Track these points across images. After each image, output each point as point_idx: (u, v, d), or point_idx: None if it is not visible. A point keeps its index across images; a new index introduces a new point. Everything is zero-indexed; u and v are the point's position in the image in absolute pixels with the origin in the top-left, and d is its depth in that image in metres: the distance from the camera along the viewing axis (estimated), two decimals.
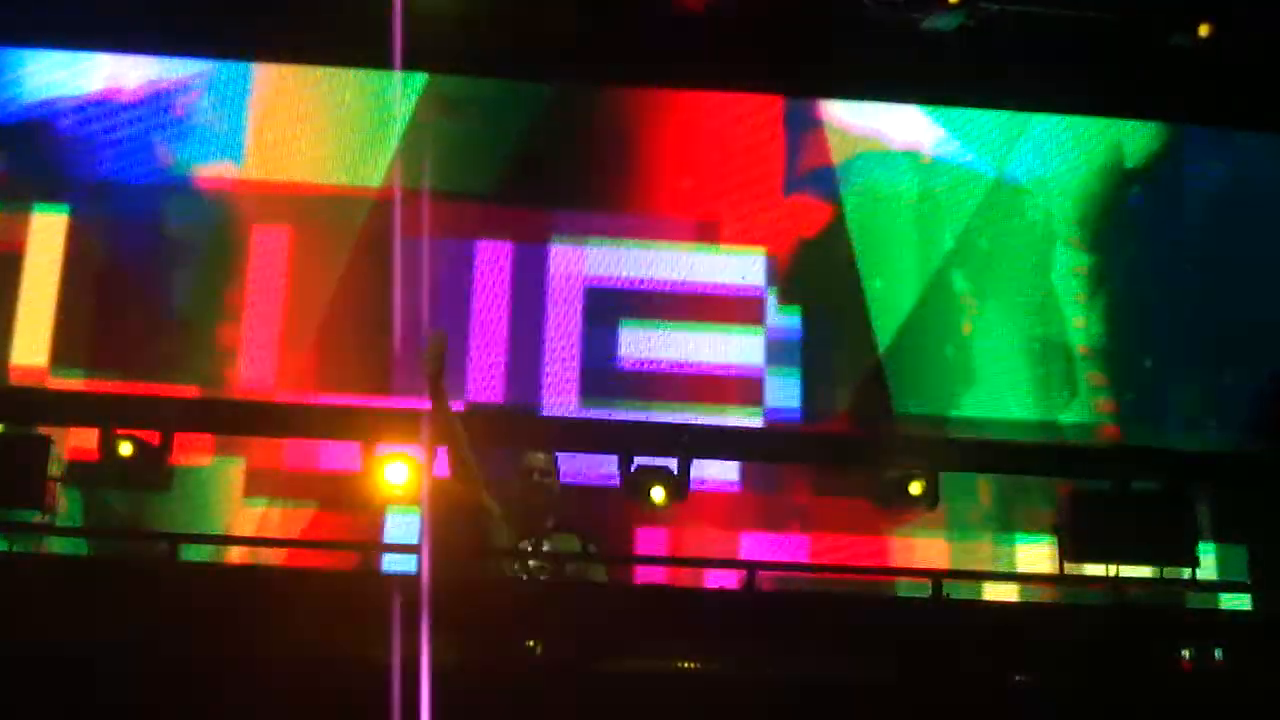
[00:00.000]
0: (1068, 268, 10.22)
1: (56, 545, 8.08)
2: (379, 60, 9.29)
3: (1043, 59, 9.57)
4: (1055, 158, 10.32)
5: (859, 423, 9.85)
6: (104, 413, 8.22)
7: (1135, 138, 10.33)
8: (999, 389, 10.00)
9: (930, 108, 10.28)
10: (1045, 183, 10.32)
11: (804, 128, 10.30)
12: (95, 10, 9.51)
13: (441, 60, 9.63)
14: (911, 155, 10.31)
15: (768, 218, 10.16)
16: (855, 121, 10.30)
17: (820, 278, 10.15)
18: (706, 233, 10.15)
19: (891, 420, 9.87)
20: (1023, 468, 8.99)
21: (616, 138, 10.14)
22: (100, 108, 9.92)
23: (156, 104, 9.95)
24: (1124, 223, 10.29)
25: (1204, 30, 9.17)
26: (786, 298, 10.09)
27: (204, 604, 7.10)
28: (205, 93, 10.00)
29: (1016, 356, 10.06)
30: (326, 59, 9.88)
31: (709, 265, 10.09)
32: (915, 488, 8.47)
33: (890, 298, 10.10)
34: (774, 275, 10.11)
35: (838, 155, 10.26)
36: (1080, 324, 10.13)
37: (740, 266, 10.08)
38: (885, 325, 10.04)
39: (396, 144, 9.90)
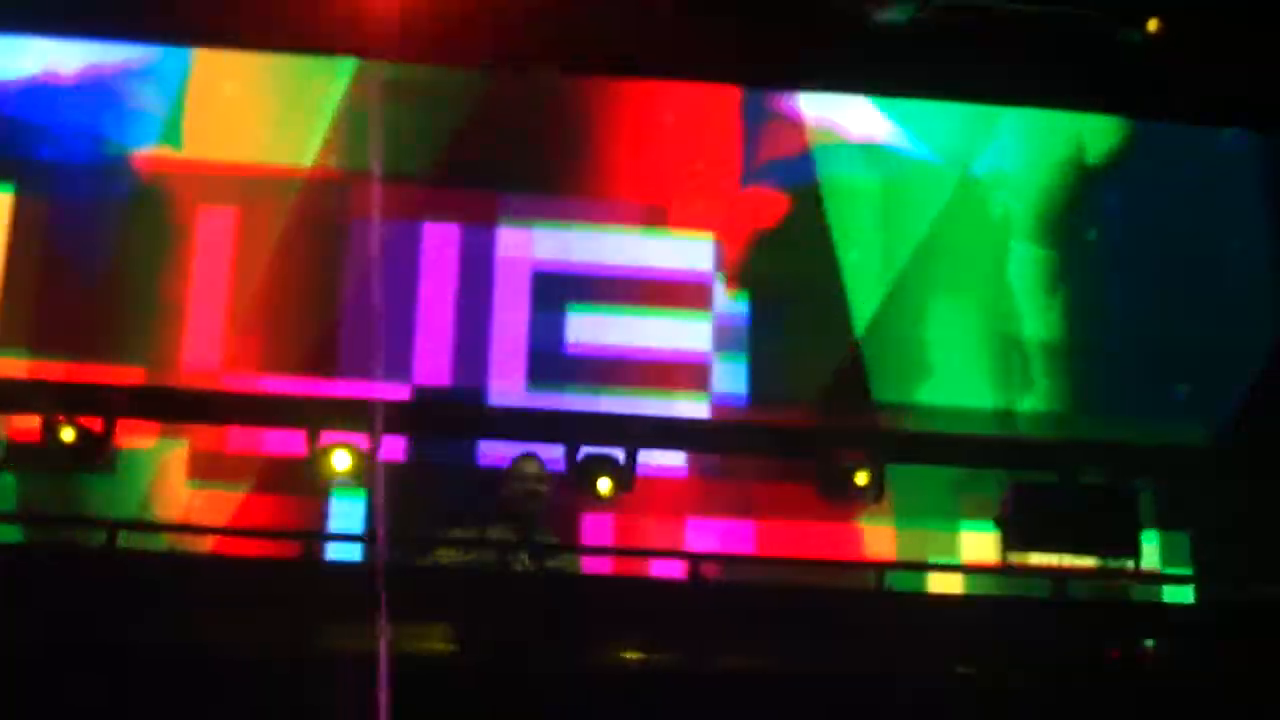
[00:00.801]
0: (1026, 262, 10.22)
1: None
2: (321, 46, 9.30)
3: (1001, 53, 9.53)
4: (1016, 153, 10.33)
5: (823, 409, 9.83)
6: (47, 399, 8.12)
7: (1097, 133, 10.32)
8: (957, 379, 10.02)
9: (890, 100, 10.24)
10: (1006, 177, 10.32)
11: (762, 119, 10.25)
12: None
13: (381, 45, 9.55)
14: (872, 149, 10.27)
15: (723, 208, 10.13)
16: (815, 114, 10.26)
17: (778, 268, 10.11)
18: (655, 217, 10.10)
19: (863, 407, 9.86)
20: (968, 460, 8.98)
21: (567, 124, 10.07)
22: (39, 92, 9.81)
23: (95, 88, 9.84)
24: (1083, 218, 10.29)
25: (1153, 25, 9.15)
26: (736, 284, 10.06)
27: (144, 591, 7.08)
28: (144, 77, 9.90)
29: (974, 348, 10.07)
30: (265, 44, 9.77)
31: (657, 250, 10.05)
32: (860, 478, 8.43)
33: (856, 289, 10.09)
34: (722, 261, 10.09)
35: (796, 147, 10.21)
36: (1036, 318, 10.14)
37: (689, 252, 10.05)
38: (857, 315, 10.04)
39: (339, 127, 9.84)
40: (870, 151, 10.27)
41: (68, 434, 7.97)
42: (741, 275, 10.08)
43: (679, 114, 10.18)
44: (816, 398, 9.84)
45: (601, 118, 10.08)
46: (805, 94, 10.24)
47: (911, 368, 10.02)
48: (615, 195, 10.07)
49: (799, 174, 10.18)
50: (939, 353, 10.06)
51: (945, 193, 10.24)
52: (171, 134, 9.89)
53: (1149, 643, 7.60)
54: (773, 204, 10.13)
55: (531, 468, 7.89)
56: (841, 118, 10.28)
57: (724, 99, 10.25)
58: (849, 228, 10.13)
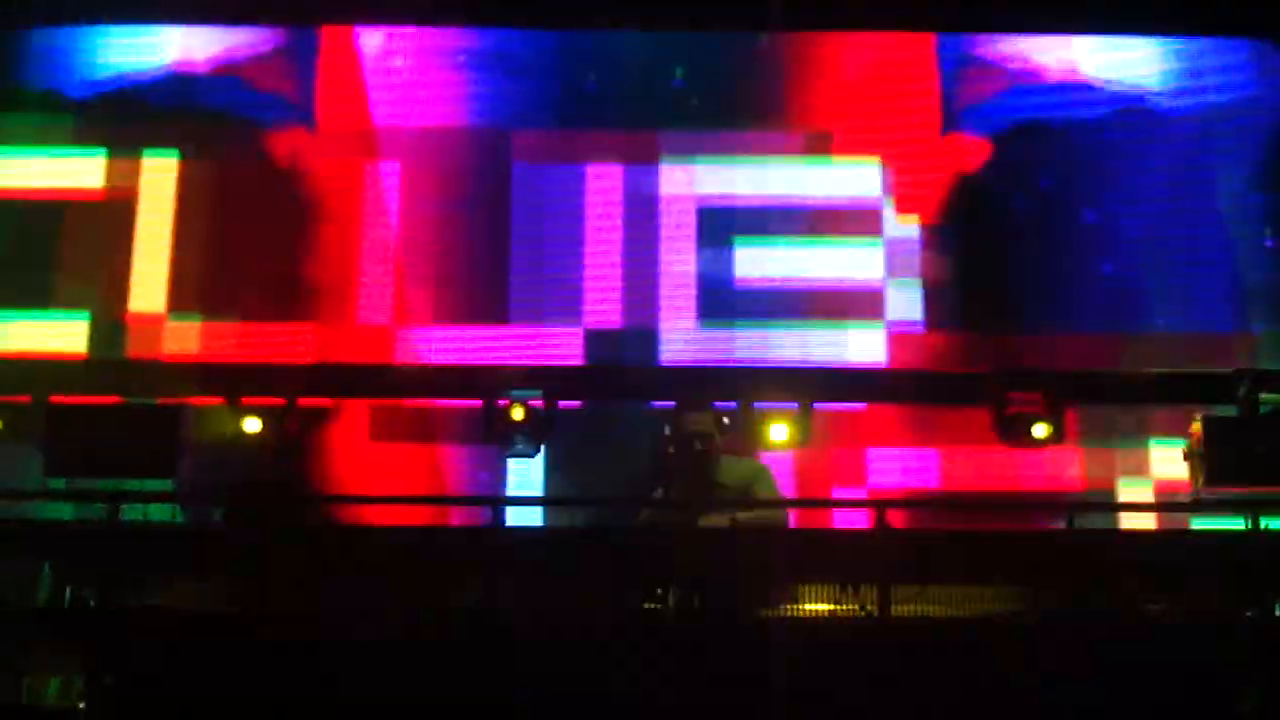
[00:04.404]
0: (1243, 206, 9.86)
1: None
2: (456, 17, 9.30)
3: None
4: (1228, 90, 9.92)
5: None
6: (227, 383, 8.17)
7: None
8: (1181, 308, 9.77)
9: (1089, 39, 9.96)
10: (1219, 116, 9.91)
11: (958, 65, 10.01)
12: None
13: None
14: (1075, 88, 9.95)
15: (926, 157, 9.94)
16: (1013, 55, 9.98)
17: (980, 211, 9.88)
18: (819, 145, 9.93)
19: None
20: (1146, 397, 8.76)
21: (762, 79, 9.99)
22: (176, 80, 9.96)
23: (230, 74, 9.96)
24: None
25: None
26: (905, 208, 9.88)
27: (332, 564, 7.16)
28: (275, 59, 9.98)
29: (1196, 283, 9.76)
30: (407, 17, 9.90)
31: (823, 178, 9.88)
32: (1040, 431, 8.18)
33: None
34: (890, 185, 9.91)
35: (995, 90, 9.94)
36: (1252, 262, 9.80)
37: (856, 178, 9.86)
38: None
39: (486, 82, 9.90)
40: (1072, 92, 9.94)
41: (253, 424, 8.01)
42: (953, 226, 9.86)
43: (872, 61, 10.03)
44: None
45: (798, 77, 9.96)
46: (1000, 35, 9.97)
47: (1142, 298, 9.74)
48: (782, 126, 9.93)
49: (1000, 117, 9.91)
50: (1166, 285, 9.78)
51: (1154, 132, 9.90)
52: (308, 110, 9.97)
53: None
54: (975, 149, 9.88)
55: (704, 421, 7.56)
56: (1042, 59, 9.97)
57: (917, 45, 10.05)
58: (1055, 167, 9.87)
